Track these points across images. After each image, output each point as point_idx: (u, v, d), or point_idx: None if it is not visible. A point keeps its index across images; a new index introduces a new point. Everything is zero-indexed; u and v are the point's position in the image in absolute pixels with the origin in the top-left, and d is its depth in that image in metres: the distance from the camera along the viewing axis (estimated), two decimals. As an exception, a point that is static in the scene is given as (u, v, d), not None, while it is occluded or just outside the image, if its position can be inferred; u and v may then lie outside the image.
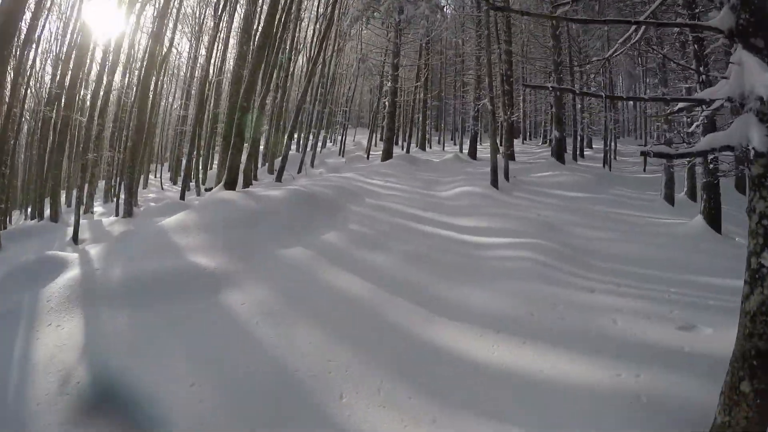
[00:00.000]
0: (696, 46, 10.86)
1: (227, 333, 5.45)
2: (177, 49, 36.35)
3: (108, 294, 6.40)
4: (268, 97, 26.92)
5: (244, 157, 17.81)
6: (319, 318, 5.76)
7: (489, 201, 12.79)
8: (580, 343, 5.15)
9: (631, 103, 43.36)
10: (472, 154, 25.06)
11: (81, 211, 20.25)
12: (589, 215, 11.68)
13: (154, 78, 25.02)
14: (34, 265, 7.79)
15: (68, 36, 23.00)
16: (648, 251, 8.77)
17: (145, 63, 18.81)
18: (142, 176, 32.76)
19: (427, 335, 5.45)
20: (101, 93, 21.09)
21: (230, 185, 10.82)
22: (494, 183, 14.44)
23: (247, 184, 15.35)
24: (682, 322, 5.54)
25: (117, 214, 17.87)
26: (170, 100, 42.77)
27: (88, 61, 23.51)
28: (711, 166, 10.58)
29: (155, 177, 36.91)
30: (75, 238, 13.75)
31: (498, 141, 16.14)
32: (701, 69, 10.76)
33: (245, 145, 17.52)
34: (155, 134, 37.61)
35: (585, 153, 25.24)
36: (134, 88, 25.41)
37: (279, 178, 16.37)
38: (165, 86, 37.34)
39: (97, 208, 23.71)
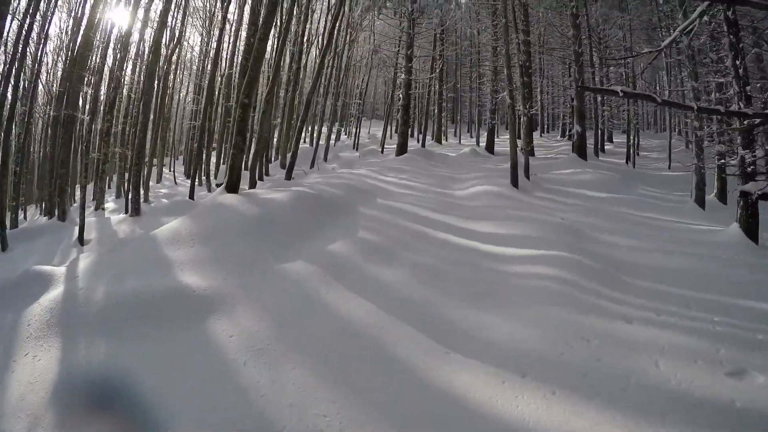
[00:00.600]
0: (732, 37, 9.90)
1: (208, 375, 4.73)
2: (188, 42, 35.83)
3: (88, 320, 5.79)
4: (280, 90, 26.30)
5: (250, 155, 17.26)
6: (315, 356, 5.01)
7: (509, 202, 11.97)
8: (620, 395, 4.36)
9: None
10: (490, 148, 24.21)
11: (92, 208, 19.97)
12: (617, 219, 10.81)
13: (163, 71, 24.59)
14: (19, 281, 7.21)
15: (79, 33, 22.38)
16: (684, 264, 7.88)
17: (150, 55, 18.09)
18: (156, 170, 32.39)
19: (440, 379, 4.67)
20: (111, 88, 20.51)
21: (231, 188, 10.07)
22: (514, 182, 13.61)
23: (253, 183, 14.66)
24: (731, 366, 4.74)
25: (126, 211, 17.31)
26: (183, 94, 42.30)
27: (96, 57, 22.95)
28: (749, 169, 9.64)
29: (169, 171, 36.44)
30: (81, 239, 13.31)
31: (517, 135, 15.25)
32: (737, 63, 9.83)
33: (252, 141, 16.90)
34: (168, 128, 37.14)
35: (605, 147, 24.24)
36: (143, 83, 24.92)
37: (288, 176, 15.66)
38: (177, 80, 36.85)
39: (109, 204, 23.23)
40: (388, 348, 5.17)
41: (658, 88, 39.86)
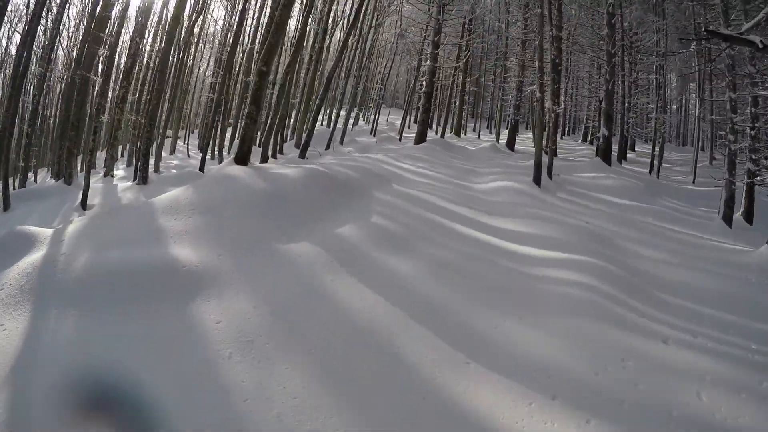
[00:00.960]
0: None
1: (186, 368, 4.06)
2: (212, 15, 35.18)
3: (65, 288, 5.17)
4: (301, 69, 25.58)
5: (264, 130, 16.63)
6: (312, 354, 4.33)
7: (531, 200, 11.22)
8: (662, 429, 3.73)
9: (676, 106, 40.81)
10: (511, 144, 23.35)
11: (101, 174, 19.51)
12: (642, 229, 10.03)
13: (184, 42, 24.00)
14: (2, 242, 6.59)
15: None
16: (714, 284, 7.13)
17: (170, 22, 17.38)
18: (170, 141, 31.90)
19: (457, 394, 3.97)
20: (129, 55, 20.00)
21: (241, 160, 9.37)
22: (537, 180, 12.84)
23: (265, 158, 13.97)
24: (775, 403, 4.10)
25: (135, 179, 16.80)
26: (204, 67, 41.70)
27: (114, 21, 22.31)
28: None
29: (183, 143, 35.85)
30: (83, 203, 12.89)
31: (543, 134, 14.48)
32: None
33: (269, 117, 16.18)
34: (186, 101, 36.56)
35: (627, 155, 23.29)
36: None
37: (303, 155, 14.97)
38: (199, 53, 36.23)
39: (119, 171, 22.73)
40: (397, 353, 4.47)
41: (685, 99, 38.92)
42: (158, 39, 27.55)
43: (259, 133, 20.85)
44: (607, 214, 11.10)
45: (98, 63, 21.11)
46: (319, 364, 4.20)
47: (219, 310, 4.87)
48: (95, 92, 24.14)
